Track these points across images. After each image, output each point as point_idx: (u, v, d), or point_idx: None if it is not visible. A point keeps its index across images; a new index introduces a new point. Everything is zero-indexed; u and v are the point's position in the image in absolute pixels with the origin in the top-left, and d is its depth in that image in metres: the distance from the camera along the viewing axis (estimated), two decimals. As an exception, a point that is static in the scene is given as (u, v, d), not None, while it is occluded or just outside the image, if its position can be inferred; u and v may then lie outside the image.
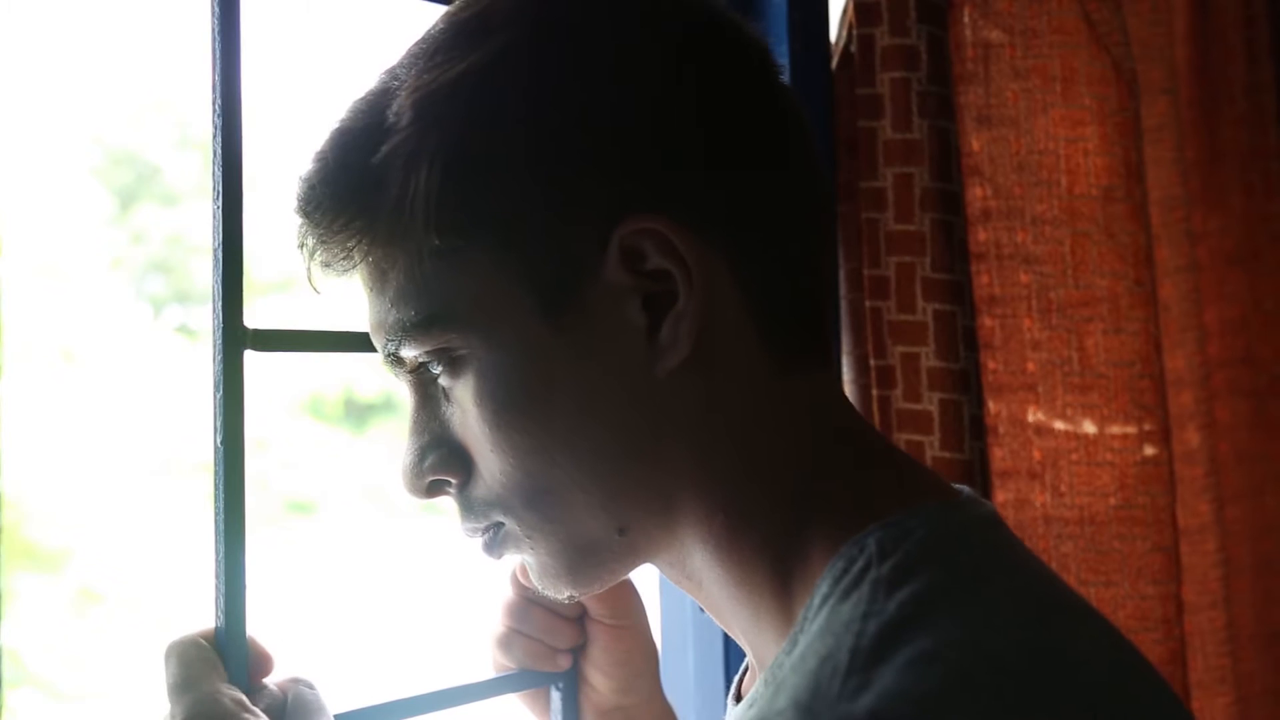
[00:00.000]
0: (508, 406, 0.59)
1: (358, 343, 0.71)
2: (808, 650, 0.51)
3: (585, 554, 0.61)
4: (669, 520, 0.60)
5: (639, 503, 0.60)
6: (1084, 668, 0.51)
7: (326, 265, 0.62)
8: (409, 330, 0.59)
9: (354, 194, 0.59)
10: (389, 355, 0.62)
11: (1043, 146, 1.14)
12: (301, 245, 0.62)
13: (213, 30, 0.66)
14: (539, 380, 0.58)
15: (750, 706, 0.54)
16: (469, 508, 0.63)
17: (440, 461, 0.62)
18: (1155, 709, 0.53)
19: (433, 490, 0.64)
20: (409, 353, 0.61)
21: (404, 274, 0.59)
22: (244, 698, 0.63)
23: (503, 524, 0.62)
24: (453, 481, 0.63)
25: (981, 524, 0.58)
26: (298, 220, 0.62)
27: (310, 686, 0.66)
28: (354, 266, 0.61)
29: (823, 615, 0.53)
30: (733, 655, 1.10)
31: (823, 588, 0.54)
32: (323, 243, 0.61)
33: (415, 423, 0.64)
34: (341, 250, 0.60)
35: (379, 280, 0.60)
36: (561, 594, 0.64)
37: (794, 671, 0.51)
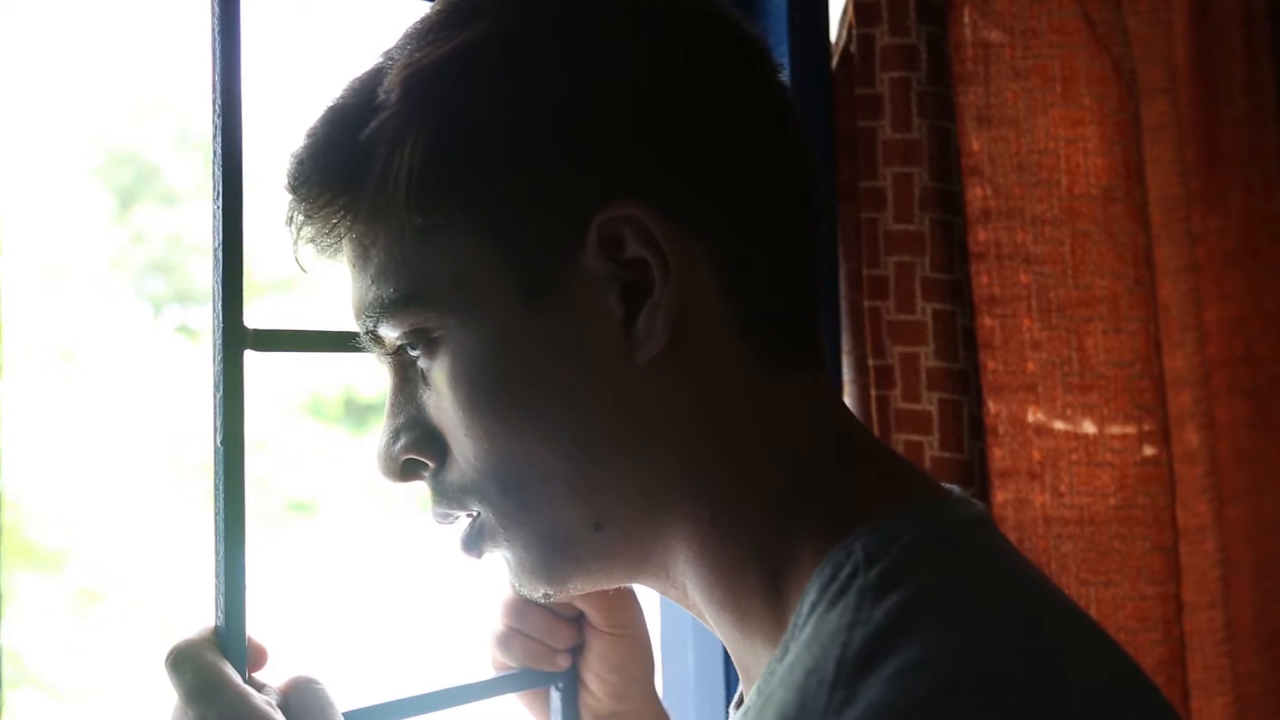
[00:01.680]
0: (482, 390, 0.58)
1: (358, 343, 0.71)
2: (795, 661, 0.50)
3: (561, 548, 0.61)
4: (651, 519, 0.59)
5: (618, 497, 0.59)
6: (1081, 673, 0.50)
7: (312, 242, 0.62)
8: (387, 308, 0.59)
9: (340, 170, 0.59)
10: (368, 334, 0.62)
11: (1042, 146, 1.14)
12: (289, 221, 0.62)
13: (213, 30, 0.66)
14: (514, 365, 0.58)
15: (744, 716, 0.54)
16: (442, 493, 0.63)
17: (413, 443, 0.62)
18: (1153, 714, 0.53)
19: (407, 472, 0.63)
20: (387, 332, 0.61)
21: (385, 251, 0.59)
22: (268, 697, 0.63)
23: (479, 514, 0.62)
24: (428, 465, 0.63)
25: (971, 526, 0.57)
26: (287, 196, 0.62)
27: (316, 682, 0.66)
28: (338, 243, 0.61)
29: (810, 624, 0.52)
30: (732, 662, 1.10)
31: (810, 595, 0.53)
32: (309, 219, 0.61)
33: (392, 404, 0.64)
34: (326, 226, 0.61)
35: (361, 258, 0.61)
36: (537, 591, 0.63)
37: (782, 684, 0.50)
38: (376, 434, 0.64)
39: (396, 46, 0.61)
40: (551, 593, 0.63)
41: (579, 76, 0.57)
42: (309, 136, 0.61)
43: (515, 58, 0.58)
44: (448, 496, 0.62)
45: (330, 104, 0.62)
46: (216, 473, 0.66)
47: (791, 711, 0.47)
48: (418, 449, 0.62)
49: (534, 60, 0.58)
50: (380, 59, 0.61)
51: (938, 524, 0.55)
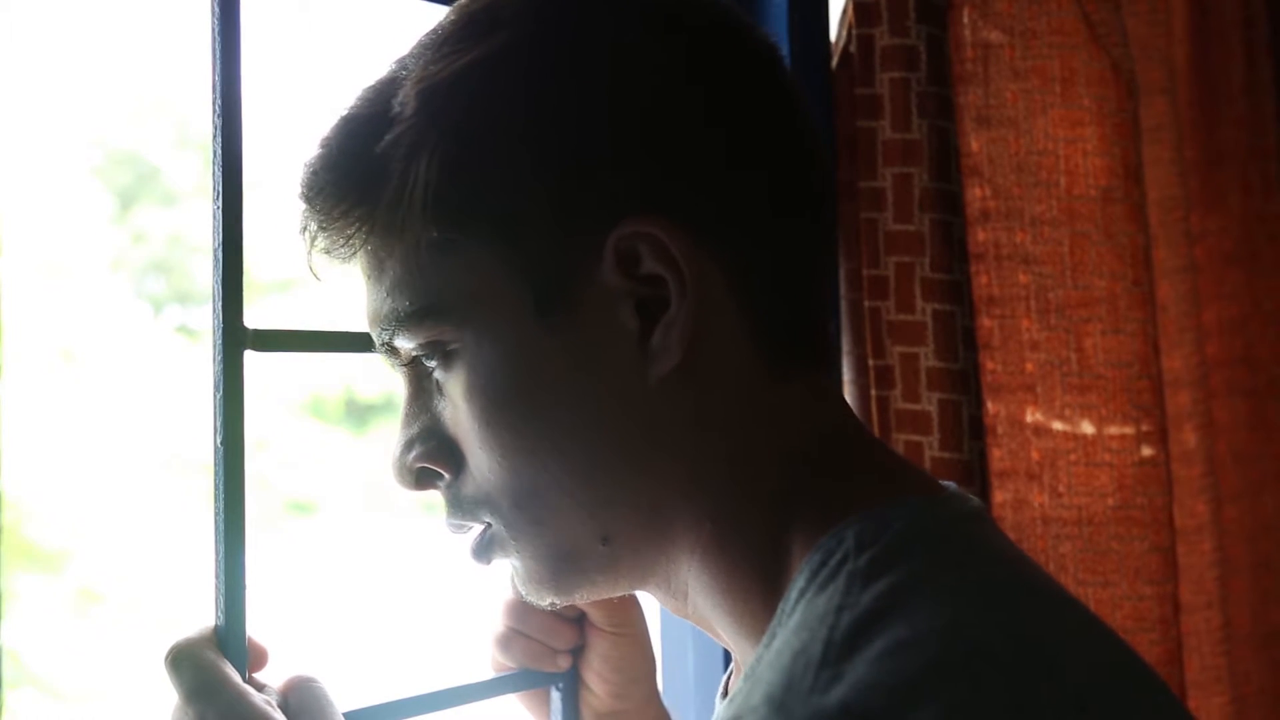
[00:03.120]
0: (497, 403, 0.58)
1: (358, 343, 0.71)
2: (783, 645, 0.50)
3: (568, 561, 0.61)
4: (656, 532, 0.60)
5: (626, 511, 0.59)
6: (1070, 655, 0.50)
7: (327, 252, 0.62)
8: (403, 321, 0.59)
9: (356, 182, 0.59)
10: (383, 345, 0.62)
11: (1042, 147, 1.14)
12: (303, 231, 0.63)
13: (213, 30, 0.66)
14: (529, 379, 0.58)
15: (730, 704, 0.54)
16: (457, 504, 0.63)
17: (428, 453, 0.62)
18: (1145, 700, 0.52)
19: (422, 481, 0.64)
20: (403, 344, 0.61)
21: (401, 264, 0.59)
22: (268, 697, 0.63)
23: (491, 525, 0.62)
24: (444, 475, 0.63)
25: (965, 518, 0.57)
26: (301, 206, 0.62)
27: (316, 682, 0.66)
28: (353, 254, 0.61)
29: (800, 609, 0.52)
30: (732, 661, 1.10)
31: (799, 581, 0.53)
32: (324, 229, 0.61)
33: (407, 414, 0.64)
34: (341, 238, 0.61)
35: (377, 269, 0.61)
36: (544, 600, 0.63)
37: (769, 667, 0.50)
38: (390, 441, 0.64)
39: (411, 56, 0.61)
40: (558, 602, 0.63)
41: (596, 91, 0.57)
42: (323, 146, 0.61)
43: (532, 72, 0.58)
44: (462, 508, 0.63)
45: (344, 113, 0.61)
46: (216, 473, 0.66)
47: (778, 692, 0.47)
48: (433, 459, 0.63)
49: (551, 75, 0.58)
50: (394, 68, 0.61)
51: (931, 514, 0.55)
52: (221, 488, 0.65)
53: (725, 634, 0.61)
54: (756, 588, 0.58)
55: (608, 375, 0.58)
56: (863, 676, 0.46)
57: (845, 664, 0.47)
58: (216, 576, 0.66)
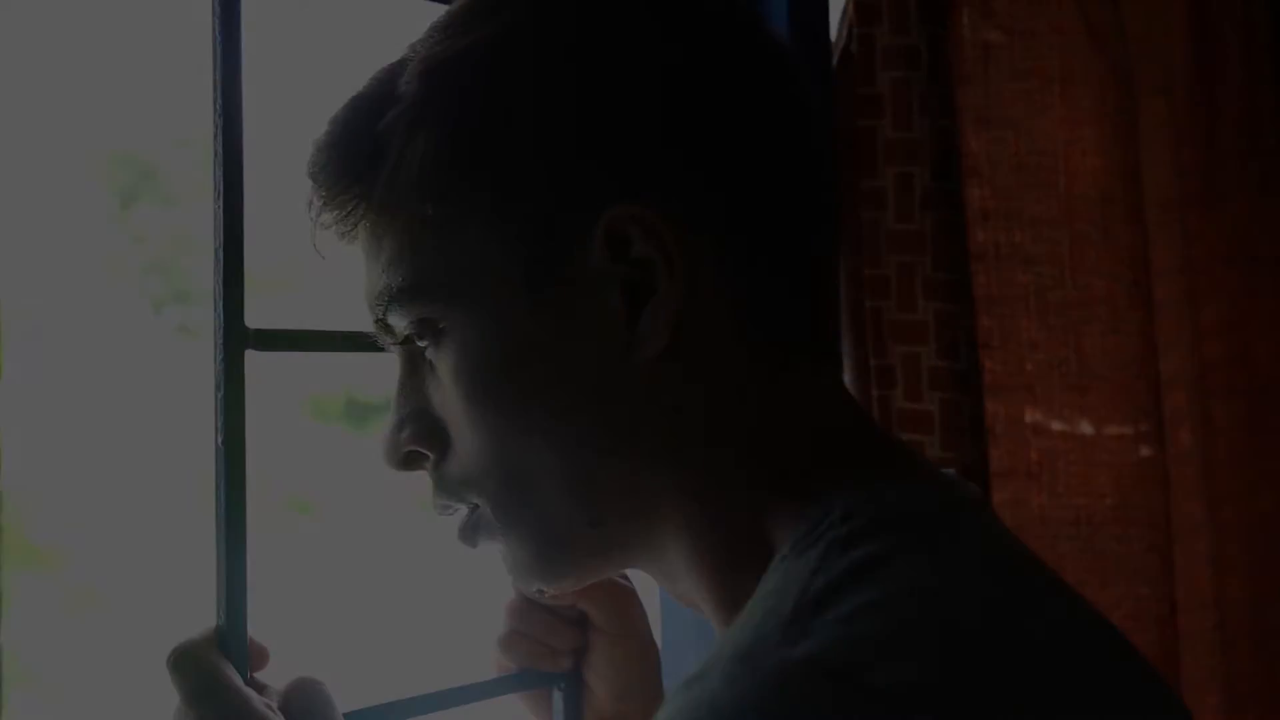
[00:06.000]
0: (482, 383, 0.59)
1: (358, 342, 0.71)
2: (755, 606, 0.50)
3: (556, 544, 0.61)
4: (644, 515, 0.59)
5: (613, 495, 0.59)
6: (1047, 635, 0.49)
7: (329, 228, 0.63)
8: (395, 297, 0.60)
9: (357, 158, 0.60)
10: (378, 322, 0.62)
11: (1041, 147, 1.14)
12: (309, 207, 0.63)
13: (213, 30, 0.66)
14: (515, 359, 0.58)
15: (701, 662, 0.53)
16: (442, 485, 0.63)
17: (417, 434, 0.63)
18: (1126, 682, 0.52)
19: (410, 462, 0.64)
20: (396, 321, 0.61)
21: (396, 241, 0.60)
22: (270, 700, 0.63)
23: (478, 507, 0.62)
24: (429, 456, 0.63)
25: (962, 503, 0.56)
26: (309, 183, 0.63)
27: (317, 683, 0.66)
28: (353, 230, 0.62)
29: (776, 574, 0.51)
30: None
31: (783, 550, 0.53)
32: (326, 206, 0.62)
33: (399, 394, 0.64)
34: (342, 214, 0.61)
35: (374, 246, 0.61)
36: (532, 586, 0.63)
37: (740, 627, 0.49)
38: (382, 425, 0.64)
39: (420, 40, 0.62)
40: (546, 588, 0.63)
41: (592, 75, 0.57)
42: (330, 124, 0.62)
43: (530, 53, 0.58)
44: (448, 489, 0.63)
45: (353, 94, 0.62)
46: (217, 473, 0.66)
47: (744, 647, 0.46)
48: (421, 440, 0.63)
49: (549, 57, 0.58)
50: (406, 51, 0.62)
51: (926, 494, 0.55)
52: (222, 488, 0.65)
53: (709, 612, 0.61)
54: (750, 570, 0.56)
55: (594, 358, 0.58)
56: (831, 632, 0.45)
57: (815, 620, 0.46)
58: (217, 576, 0.66)
